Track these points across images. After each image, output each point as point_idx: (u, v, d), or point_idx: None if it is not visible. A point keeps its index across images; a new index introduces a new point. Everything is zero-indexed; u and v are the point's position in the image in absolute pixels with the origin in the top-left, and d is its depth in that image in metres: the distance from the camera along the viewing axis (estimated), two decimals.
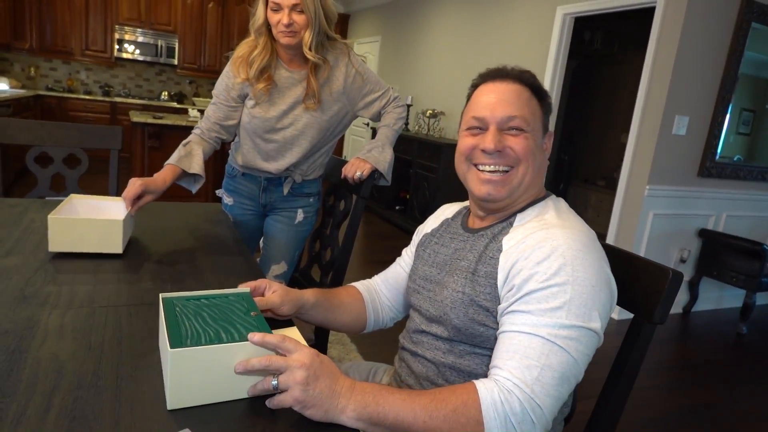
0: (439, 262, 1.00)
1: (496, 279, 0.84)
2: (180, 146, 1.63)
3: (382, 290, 1.16)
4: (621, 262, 0.91)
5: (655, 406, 2.38)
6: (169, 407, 0.71)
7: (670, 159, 3.28)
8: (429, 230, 1.10)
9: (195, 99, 7.31)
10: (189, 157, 1.60)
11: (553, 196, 0.96)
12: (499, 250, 0.86)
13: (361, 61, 1.73)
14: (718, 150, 3.43)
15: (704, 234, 3.56)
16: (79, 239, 1.25)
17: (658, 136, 3.18)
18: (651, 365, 2.81)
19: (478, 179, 0.93)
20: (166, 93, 7.52)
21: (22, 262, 1.17)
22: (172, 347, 0.69)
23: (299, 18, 1.52)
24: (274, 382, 0.70)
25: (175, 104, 7.26)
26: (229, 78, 1.67)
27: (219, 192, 1.89)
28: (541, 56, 4.00)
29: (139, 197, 1.38)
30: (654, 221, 3.34)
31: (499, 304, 0.83)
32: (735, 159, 3.59)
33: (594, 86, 6.14)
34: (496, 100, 0.91)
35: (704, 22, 3.10)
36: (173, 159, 1.57)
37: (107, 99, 6.91)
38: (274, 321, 0.99)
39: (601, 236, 4.21)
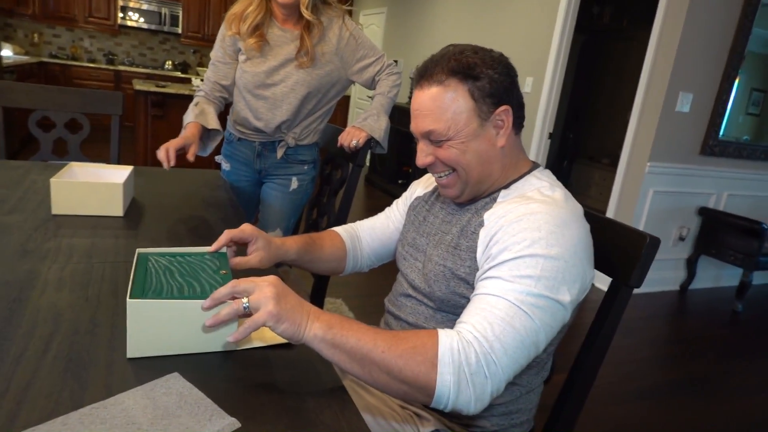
0: (428, 231, 1.01)
1: (475, 252, 0.86)
2: (191, 106, 1.65)
3: (364, 238, 1.18)
4: (599, 226, 0.93)
5: (648, 378, 2.42)
6: (128, 356, 0.73)
7: (672, 136, 3.26)
8: (421, 193, 1.12)
9: (199, 69, 7.26)
10: (204, 115, 1.62)
11: (539, 170, 0.94)
12: (480, 225, 0.87)
13: (356, 27, 1.74)
14: (722, 128, 3.40)
15: (704, 212, 3.56)
16: (80, 202, 1.28)
17: (661, 113, 3.16)
18: (645, 339, 2.85)
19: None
20: (170, 62, 7.49)
21: (24, 219, 1.21)
22: (130, 298, 0.72)
23: None
24: (246, 303, 0.71)
25: (179, 74, 7.23)
26: (222, 34, 1.71)
27: (218, 158, 1.91)
28: (548, 30, 3.95)
29: (183, 153, 1.45)
30: (654, 198, 3.34)
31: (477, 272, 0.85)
32: (743, 139, 3.56)
33: (602, 62, 6.06)
34: (415, 114, 0.90)
35: None
36: (192, 117, 1.60)
37: (111, 67, 6.88)
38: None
39: (601, 213, 4.21)
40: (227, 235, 0.94)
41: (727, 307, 3.50)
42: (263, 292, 0.71)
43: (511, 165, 0.93)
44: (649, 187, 3.30)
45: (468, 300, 0.87)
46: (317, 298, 1.69)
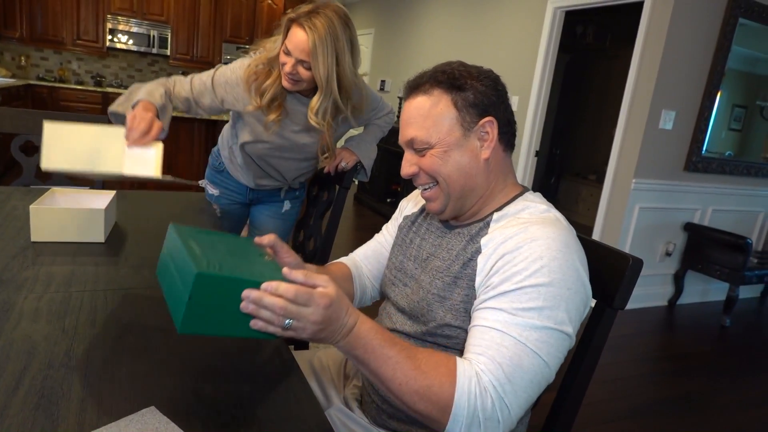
0: (416, 256, 0.99)
1: (474, 281, 0.83)
2: (156, 86, 1.41)
3: (364, 266, 1.16)
4: (583, 248, 0.93)
5: (638, 396, 2.41)
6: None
7: (656, 153, 3.30)
8: (410, 212, 1.10)
9: None
10: (164, 111, 1.37)
11: (530, 192, 0.93)
12: (478, 252, 0.84)
13: (363, 98, 1.63)
14: (705, 145, 3.46)
15: (690, 228, 3.59)
16: (61, 229, 1.26)
17: (645, 131, 3.20)
18: (634, 356, 2.85)
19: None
20: None
21: (2, 247, 1.18)
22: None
23: (304, 73, 1.44)
24: (288, 323, 0.67)
25: None
26: (238, 89, 1.54)
27: (202, 182, 1.90)
28: (532, 50, 4.01)
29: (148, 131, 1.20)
30: (640, 215, 3.37)
31: (475, 300, 0.83)
32: (726, 155, 3.61)
33: (587, 80, 6.16)
34: (402, 124, 0.91)
35: (692, 17, 3.12)
36: (152, 97, 1.35)
37: (99, 89, 6.86)
38: None
39: (588, 230, 4.16)
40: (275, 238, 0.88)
41: (715, 321, 3.52)
42: (306, 329, 0.68)
43: (498, 184, 0.91)
44: (635, 203, 3.33)
45: (461, 330, 0.85)
46: None
